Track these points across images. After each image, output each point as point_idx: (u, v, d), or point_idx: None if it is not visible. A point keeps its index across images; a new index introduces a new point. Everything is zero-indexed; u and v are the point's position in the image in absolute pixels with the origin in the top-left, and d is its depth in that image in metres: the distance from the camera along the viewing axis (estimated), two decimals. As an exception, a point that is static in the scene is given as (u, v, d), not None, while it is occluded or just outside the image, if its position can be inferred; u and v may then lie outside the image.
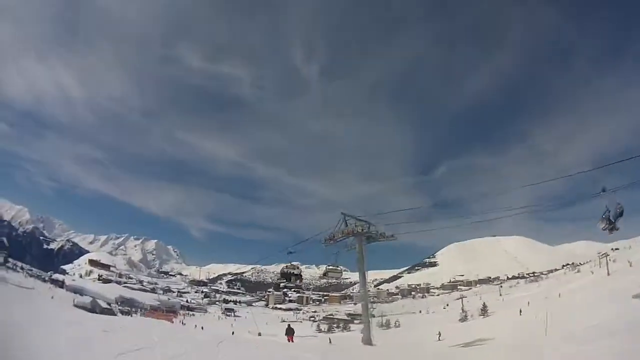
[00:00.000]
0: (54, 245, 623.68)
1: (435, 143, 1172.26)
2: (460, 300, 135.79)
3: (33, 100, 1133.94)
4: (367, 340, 37.98)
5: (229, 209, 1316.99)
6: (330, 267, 39.85)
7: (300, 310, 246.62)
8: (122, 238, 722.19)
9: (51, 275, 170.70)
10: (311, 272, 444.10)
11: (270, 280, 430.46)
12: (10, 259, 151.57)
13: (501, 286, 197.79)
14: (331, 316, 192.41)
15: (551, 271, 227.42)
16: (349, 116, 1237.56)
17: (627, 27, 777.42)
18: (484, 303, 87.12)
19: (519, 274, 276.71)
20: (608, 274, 77.80)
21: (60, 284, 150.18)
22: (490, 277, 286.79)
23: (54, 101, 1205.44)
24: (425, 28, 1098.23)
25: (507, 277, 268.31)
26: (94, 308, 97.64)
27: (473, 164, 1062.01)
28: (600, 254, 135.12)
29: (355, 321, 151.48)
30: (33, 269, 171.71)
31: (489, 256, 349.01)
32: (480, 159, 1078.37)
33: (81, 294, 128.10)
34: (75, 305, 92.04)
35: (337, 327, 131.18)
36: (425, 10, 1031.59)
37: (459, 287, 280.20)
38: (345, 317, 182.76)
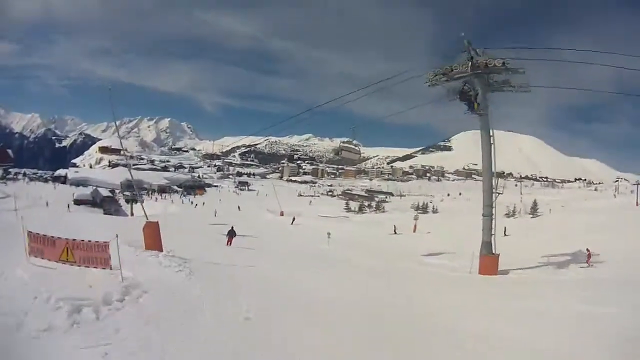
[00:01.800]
0: (66, 142, 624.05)
1: (459, 29, 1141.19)
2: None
3: (42, 10, 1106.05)
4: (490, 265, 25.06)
5: (244, 82, 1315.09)
6: (345, 143, 32.02)
7: (316, 183, 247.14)
8: (136, 120, 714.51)
9: (53, 173, 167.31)
10: (325, 145, 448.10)
11: (283, 151, 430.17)
12: (11, 170, 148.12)
13: (516, 185, 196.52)
14: (349, 191, 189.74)
15: (564, 181, 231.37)
16: None
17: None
18: (534, 200, 78.42)
19: (532, 175, 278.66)
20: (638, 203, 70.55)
21: (63, 180, 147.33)
22: (504, 172, 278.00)
23: (60, 4, 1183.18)
24: None
25: (521, 176, 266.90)
26: (94, 199, 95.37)
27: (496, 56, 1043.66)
28: (619, 179, 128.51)
29: (376, 198, 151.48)
30: (38, 171, 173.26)
31: (503, 151, 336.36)
32: (504, 52, 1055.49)
33: (84, 185, 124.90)
34: (76, 200, 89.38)
35: (369, 206, 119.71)
36: None
37: (473, 175, 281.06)
38: (363, 194, 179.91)
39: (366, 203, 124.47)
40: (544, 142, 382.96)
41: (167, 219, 52.70)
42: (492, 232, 26.12)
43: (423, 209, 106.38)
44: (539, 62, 26.10)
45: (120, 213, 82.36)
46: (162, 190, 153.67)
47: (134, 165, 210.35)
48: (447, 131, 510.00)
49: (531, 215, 73.94)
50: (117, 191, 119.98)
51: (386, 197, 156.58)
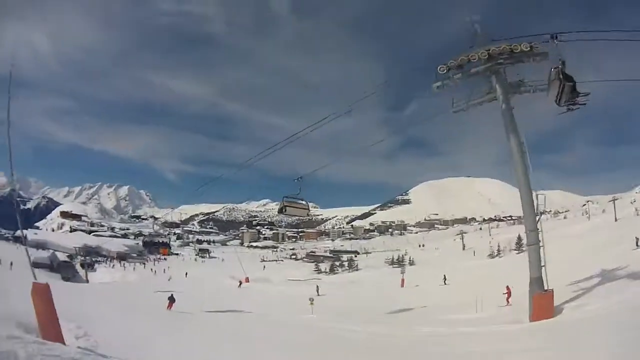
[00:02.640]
0: (30, 205, 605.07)
1: (407, 80, 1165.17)
2: (461, 236, 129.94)
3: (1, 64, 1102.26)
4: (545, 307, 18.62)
5: (200, 148, 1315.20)
6: (290, 198, 23.94)
7: (277, 247, 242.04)
8: (96, 187, 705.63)
9: (14, 233, 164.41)
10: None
11: (242, 218, 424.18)
12: None
13: (480, 228, 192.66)
14: (313, 253, 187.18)
15: None
16: (322, 52, 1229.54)
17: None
18: (519, 235, 74.36)
19: (495, 216, 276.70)
20: (616, 219, 75.11)
21: (23, 241, 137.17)
22: (467, 218, 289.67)
23: (23, 60, 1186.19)
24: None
25: (484, 219, 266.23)
26: (52, 263, 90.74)
27: (439, 103, 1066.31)
28: (587, 202, 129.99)
29: (342, 257, 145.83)
30: (2, 230, 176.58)
31: (463, 197, 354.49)
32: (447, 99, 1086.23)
33: (43, 248, 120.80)
34: (34, 262, 79.82)
35: (340, 266, 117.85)
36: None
37: (435, 225, 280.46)
38: (328, 254, 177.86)
39: (337, 262, 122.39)
40: (504, 183, 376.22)
41: (119, 287, 49.38)
42: (542, 264, 19.41)
43: (399, 262, 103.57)
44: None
45: (78, 279, 79.16)
46: (122, 257, 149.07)
47: (93, 232, 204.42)
48: (404, 185, 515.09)
49: (517, 252, 72.72)
50: (74, 256, 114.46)
51: (354, 256, 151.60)
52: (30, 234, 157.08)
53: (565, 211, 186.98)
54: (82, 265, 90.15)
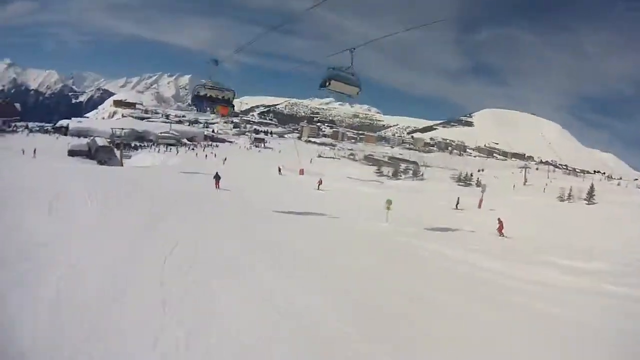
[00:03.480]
0: (83, 98, 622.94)
1: (481, 4, 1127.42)
2: (523, 171, 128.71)
3: None
4: None
5: (264, 41, 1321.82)
6: (338, 70, 19.10)
7: (335, 146, 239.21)
8: (155, 76, 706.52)
9: (54, 124, 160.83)
10: (345, 110, 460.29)
11: (303, 113, 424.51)
12: (16, 124, 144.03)
13: (537, 169, 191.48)
14: (371, 156, 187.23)
15: (583, 171, 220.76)
16: None
17: None
18: (591, 185, 77.47)
19: (552, 160, 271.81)
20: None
21: (64, 131, 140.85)
22: (525, 154, 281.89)
23: None
24: None
25: (542, 161, 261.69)
26: (90, 149, 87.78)
27: (515, 36, 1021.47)
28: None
29: (402, 165, 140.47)
30: (43, 124, 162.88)
31: (524, 133, 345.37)
32: (524, 34, 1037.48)
33: (85, 136, 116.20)
34: (70, 150, 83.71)
35: (404, 172, 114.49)
36: None
37: (494, 154, 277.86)
38: (387, 160, 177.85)
39: (401, 167, 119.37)
40: (565, 130, 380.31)
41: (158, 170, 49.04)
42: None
43: (465, 181, 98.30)
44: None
45: (114, 163, 73.19)
46: (169, 142, 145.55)
47: (146, 118, 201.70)
48: (468, 107, 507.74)
49: (587, 202, 70.79)
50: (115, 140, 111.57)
51: (417, 165, 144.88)
52: (73, 122, 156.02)
53: (619, 178, 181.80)
54: (118, 147, 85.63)
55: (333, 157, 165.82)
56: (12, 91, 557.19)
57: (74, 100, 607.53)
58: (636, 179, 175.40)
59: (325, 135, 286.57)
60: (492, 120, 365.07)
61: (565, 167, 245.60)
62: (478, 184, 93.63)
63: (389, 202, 29.83)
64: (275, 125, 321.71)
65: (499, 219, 27.89)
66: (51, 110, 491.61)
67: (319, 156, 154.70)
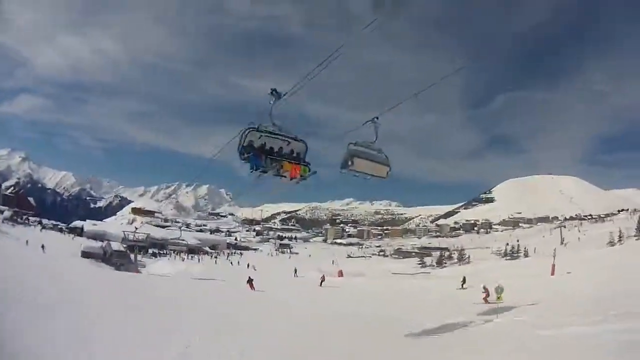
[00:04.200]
0: (101, 203, 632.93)
1: (490, 75, 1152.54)
2: (559, 229, 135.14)
3: (70, 70, 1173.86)
4: None
5: None
6: (361, 147, 15.18)
7: (362, 244, 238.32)
8: (174, 186, 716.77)
9: (69, 224, 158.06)
10: (365, 208, 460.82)
11: (324, 216, 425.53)
12: (30, 218, 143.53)
13: (565, 226, 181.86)
14: (400, 249, 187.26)
15: (608, 215, 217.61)
16: (405, 48, 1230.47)
17: None
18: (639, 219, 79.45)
19: (576, 214, 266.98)
20: None
21: (79, 232, 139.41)
22: (549, 217, 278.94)
23: (93, 67, 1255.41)
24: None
25: (566, 218, 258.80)
26: (105, 252, 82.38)
27: (527, 97, 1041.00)
28: None
29: (437, 253, 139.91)
30: (57, 223, 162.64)
31: (545, 195, 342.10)
32: (534, 92, 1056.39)
33: (102, 239, 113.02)
34: (84, 252, 78.48)
35: (449, 258, 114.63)
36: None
37: (520, 224, 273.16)
38: (417, 251, 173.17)
39: (444, 255, 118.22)
40: (583, 180, 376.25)
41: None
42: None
43: (511, 254, 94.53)
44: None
45: (129, 268, 69.77)
46: (192, 250, 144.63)
47: (166, 227, 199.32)
48: (487, 183, 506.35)
49: (636, 237, 72.50)
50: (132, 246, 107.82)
51: (459, 249, 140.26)
52: (88, 224, 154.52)
53: None
54: (132, 251, 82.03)
55: (363, 256, 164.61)
56: (28, 186, 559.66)
57: (92, 205, 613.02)
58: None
59: (350, 235, 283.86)
60: (512, 190, 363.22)
61: (590, 216, 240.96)
62: (526, 254, 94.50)
63: (501, 289, 27.48)
64: (299, 230, 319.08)
65: (484, 287, 28.39)
66: (69, 212, 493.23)
67: (349, 256, 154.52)
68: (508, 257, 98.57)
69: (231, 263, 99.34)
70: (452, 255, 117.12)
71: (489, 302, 27.13)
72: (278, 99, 14.04)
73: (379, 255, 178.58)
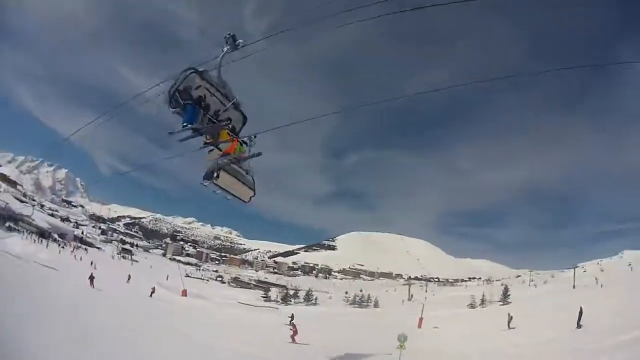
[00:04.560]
0: None
1: (354, 130, 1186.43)
2: (406, 287, 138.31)
3: None
4: None
5: (142, 152, 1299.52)
6: (231, 162, 12.83)
7: (201, 266, 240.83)
8: (38, 162, 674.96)
9: None
10: (207, 231, 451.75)
11: (166, 230, 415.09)
12: None
13: (409, 285, 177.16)
14: (238, 279, 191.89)
15: (457, 280, 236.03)
16: (278, 81, 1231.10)
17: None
18: (505, 286, 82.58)
19: (422, 276, 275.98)
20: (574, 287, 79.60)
21: None
22: (392, 273, 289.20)
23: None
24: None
25: (410, 277, 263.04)
26: None
27: (386, 158, 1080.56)
28: (518, 275, 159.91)
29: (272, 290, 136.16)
30: None
31: (391, 253, 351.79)
32: (398, 155, 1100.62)
33: None
34: None
35: (294, 296, 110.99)
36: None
37: (361, 275, 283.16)
38: (254, 283, 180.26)
39: (289, 293, 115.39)
40: (434, 246, 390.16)
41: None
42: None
43: (359, 302, 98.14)
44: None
45: None
46: (42, 234, 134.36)
47: (23, 202, 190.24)
48: (331, 230, 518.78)
49: (501, 303, 73.58)
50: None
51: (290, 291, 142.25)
52: None
53: (496, 280, 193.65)
54: None
55: (202, 278, 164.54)
56: None
57: None
58: (518, 276, 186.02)
59: (188, 255, 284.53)
60: (357, 242, 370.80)
61: (437, 279, 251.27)
62: (376, 305, 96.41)
63: (404, 338, 25.81)
64: (141, 238, 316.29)
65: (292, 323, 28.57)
66: None
67: (187, 275, 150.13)
68: (356, 305, 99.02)
69: (75, 257, 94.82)
70: (298, 294, 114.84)
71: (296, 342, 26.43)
72: (234, 49, 11.96)
73: (216, 280, 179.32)
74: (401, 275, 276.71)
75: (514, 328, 40.56)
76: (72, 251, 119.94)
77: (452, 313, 61.81)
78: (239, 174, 12.90)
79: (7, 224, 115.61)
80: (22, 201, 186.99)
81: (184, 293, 64.17)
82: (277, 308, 76.17)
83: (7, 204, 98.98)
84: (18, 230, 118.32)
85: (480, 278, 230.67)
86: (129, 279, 67.02)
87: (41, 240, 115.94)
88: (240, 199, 13.34)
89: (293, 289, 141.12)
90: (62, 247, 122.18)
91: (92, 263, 74.00)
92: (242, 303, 73.23)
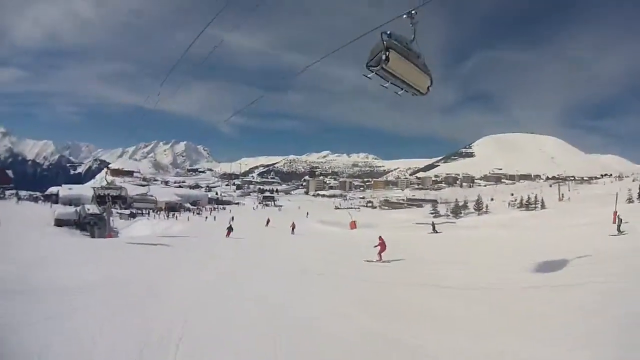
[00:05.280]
0: (81, 169, 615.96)
1: (466, 33, 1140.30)
2: (556, 186, 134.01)
3: (43, 37, 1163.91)
4: None
5: (259, 101, 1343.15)
6: (399, 41, 9.85)
7: (346, 196, 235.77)
8: (152, 145, 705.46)
9: (44, 192, 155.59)
10: (343, 161, 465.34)
11: (302, 169, 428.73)
12: (7, 192, 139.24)
13: (550, 185, 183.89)
14: (388, 201, 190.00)
15: (591, 178, 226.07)
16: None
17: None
18: None
19: (558, 175, 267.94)
20: None
21: (55, 199, 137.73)
22: (531, 174, 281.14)
23: (67, 32, 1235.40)
24: None
25: (547, 177, 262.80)
26: (79, 217, 79.08)
27: (503, 58, 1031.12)
28: None
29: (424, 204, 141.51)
30: (32, 192, 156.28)
31: (526, 153, 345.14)
32: (511, 53, 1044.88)
33: (77, 204, 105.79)
34: (57, 219, 74.10)
35: (464, 207, 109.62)
36: None
37: (502, 180, 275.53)
38: (404, 203, 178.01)
39: (460, 203, 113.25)
40: (565, 142, 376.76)
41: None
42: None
43: (526, 205, 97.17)
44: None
45: (103, 234, 65.50)
46: (172, 208, 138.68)
47: (145, 185, 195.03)
48: (466, 138, 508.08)
49: None
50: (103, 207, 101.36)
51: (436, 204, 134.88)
52: (64, 190, 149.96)
53: (631, 175, 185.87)
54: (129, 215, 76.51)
55: (352, 207, 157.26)
56: (9, 161, 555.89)
57: (72, 172, 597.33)
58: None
59: (331, 187, 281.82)
60: (493, 146, 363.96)
61: (573, 177, 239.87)
62: (543, 206, 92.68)
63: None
64: (279, 183, 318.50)
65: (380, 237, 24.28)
66: (49, 181, 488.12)
67: (336, 208, 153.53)
68: (523, 209, 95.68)
69: (215, 219, 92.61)
70: (467, 205, 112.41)
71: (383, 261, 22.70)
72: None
73: (366, 206, 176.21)
74: (539, 176, 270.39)
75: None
76: (210, 213, 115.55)
77: (624, 208, 52.66)
78: (412, 54, 10.32)
79: (129, 212, 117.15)
80: (143, 185, 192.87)
81: (353, 225, 57.60)
82: (454, 222, 70.64)
83: (125, 193, 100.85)
84: (142, 213, 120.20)
85: (611, 175, 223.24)
86: (267, 222, 66.02)
87: (173, 215, 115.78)
88: (416, 89, 10.71)
89: (443, 202, 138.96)
90: (198, 214, 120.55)
91: (232, 218, 71.17)
92: (419, 223, 65.51)
